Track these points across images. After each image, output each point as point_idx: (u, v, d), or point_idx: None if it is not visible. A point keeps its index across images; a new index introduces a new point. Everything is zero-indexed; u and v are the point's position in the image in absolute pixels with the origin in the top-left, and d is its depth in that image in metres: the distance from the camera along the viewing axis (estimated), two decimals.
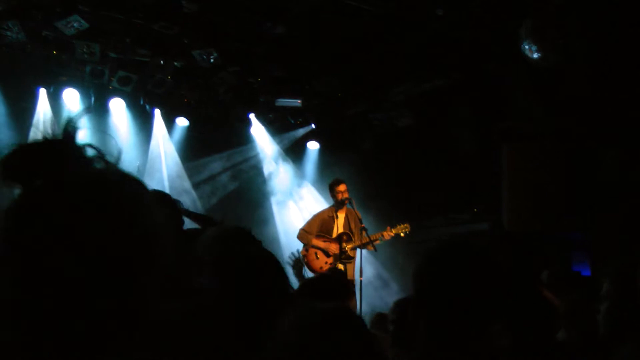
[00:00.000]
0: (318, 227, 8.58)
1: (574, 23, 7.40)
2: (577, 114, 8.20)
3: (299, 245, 8.77)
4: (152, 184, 10.91)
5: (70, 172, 1.03)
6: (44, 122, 10.55)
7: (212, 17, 8.44)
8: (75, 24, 8.29)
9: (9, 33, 8.54)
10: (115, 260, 1.00)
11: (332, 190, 8.60)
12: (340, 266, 8.38)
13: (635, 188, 7.65)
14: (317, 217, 8.75)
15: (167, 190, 11.08)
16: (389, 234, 8.39)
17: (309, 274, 8.45)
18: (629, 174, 7.78)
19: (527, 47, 7.64)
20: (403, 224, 8.50)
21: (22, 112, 10.29)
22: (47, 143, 1.06)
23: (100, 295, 0.99)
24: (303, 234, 8.63)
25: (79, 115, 1.09)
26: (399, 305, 3.70)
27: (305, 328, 1.62)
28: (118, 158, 1.10)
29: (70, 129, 1.07)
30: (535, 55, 7.65)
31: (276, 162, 12.16)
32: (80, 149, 1.07)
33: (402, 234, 8.49)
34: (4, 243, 1.00)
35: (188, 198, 11.23)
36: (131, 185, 1.08)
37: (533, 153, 8.53)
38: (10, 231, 1.00)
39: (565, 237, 8.73)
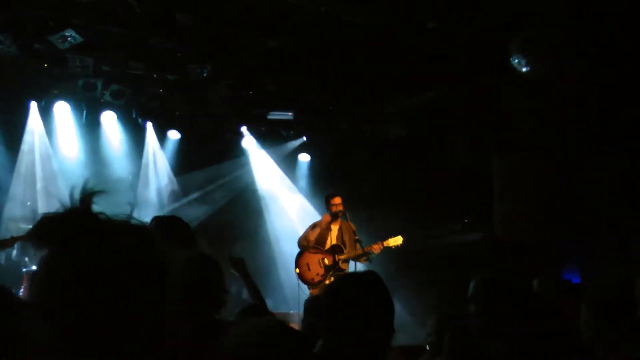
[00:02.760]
0: (316, 238, 8.59)
1: (562, 36, 7.52)
2: (567, 124, 8.31)
3: (291, 255, 8.82)
4: (144, 197, 11.00)
5: (87, 237, 1.24)
6: (34, 136, 10.54)
7: (205, 31, 8.49)
8: (70, 37, 8.29)
9: (0, 46, 8.52)
10: (132, 301, 1.23)
11: (327, 202, 8.63)
12: (332, 279, 8.41)
13: (625, 196, 7.76)
14: (315, 227, 8.72)
15: (157, 205, 11.15)
16: (379, 247, 8.41)
17: (302, 287, 8.50)
18: (618, 182, 7.89)
19: (516, 60, 7.76)
20: (395, 236, 8.53)
21: (13, 126, 10.27)
22: (67, 214, 1.27)
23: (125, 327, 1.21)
24: (303, 242, 8.65)
25: (95, 189, 1.31)
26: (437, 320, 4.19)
27: (244, 343, 1.78)
28: (130, 213, 1.33)
29: (86, 199, 1.28)
30: (525, 69, 7.77)
31: (268, 174, 12.21)
32: (94, 215, 1.28)
33: (393, 247, 8.51)
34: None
35: (180, 211, 11.24)
36: (138, 238, 1.30)
37: (524, 164, 8.64)
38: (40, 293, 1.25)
39: (556, 246, 8.82)
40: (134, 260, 1.25)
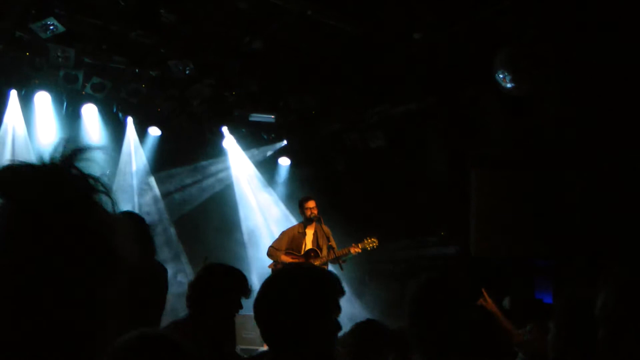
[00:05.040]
0: (287, 244, 8.55)
1: (547, 54, 7.52)
2: (547, 142, 8.31)
3: (266, 259, 8.74)
4: (121, 192, 10.89)
5: (52, 194, 1.06)
6: (12, 125, 10.42)
7: (190, 28, 8.43)
8: (51, 26, 8.20)
9: None
10: (72, 277, 1.05)
11: (301, 206, 8.59)
12: None
13: (602, 215, 7.75)
14: (285, 234, 8.72)
15: (136, 199, 11.06)
16: (355, 249, 8.38)
17: None
18: (596, 204, 7.88)
19: (501, 76, 7.74)
20: (371, 238, 8.49)
21: None
22: (42, 167, 1.08)
23: (56, 307, 1.03)
24: (272, 251, 8.58)
25: (86, 149, 1.12)
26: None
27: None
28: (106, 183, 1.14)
29: (70, 157, 1.09)
30: (509, 85, 7.75)
31: (246, 176, 12.15)
32: (75, 176, 1.10)
33: (368, 248, 8.47)
34: None
35: (156, 208, 11.16)
36: (105, 213, 1.12)
37: (502, 179, 8.61)
38: None
39: (529, 264, 8.79)
40: (104, 240, 1.08)
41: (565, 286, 7.89)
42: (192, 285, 3.87)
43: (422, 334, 2.69)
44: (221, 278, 3.80)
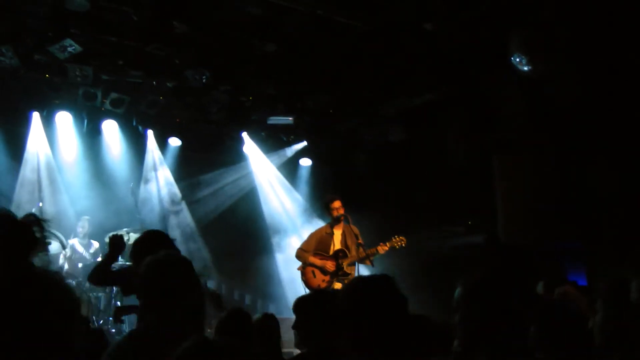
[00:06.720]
0: (315, 245, 8.49)
1: (563, 35, 7.47)
2: (569, 124, 8.25)
3: (294, 261, 8.74)
4: (146, 204, 11.00)
5: None
6: (36, 147, 10.58)
7: (202, 37, 8.48)
8: (69, 47, 8.33)
9: (2, 58, 8.54)
10: None
11: (327, 207, 8.50)
12: (338, 284, 8.31)
13: (628, 197, 7.70)
14: (313, 236, 8.67)
15: (160, 210, 11.16)
16: (383, 248, 8.30)
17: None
18: (621, 183, 7.82)
19: (517, 59, 7.70)
20: (399, 237, 8.42)
21: (16, 137, 10.32)
22: None
23: None
24: (301, 253, 8.55)
25: None
26: None
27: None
28: None
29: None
30: (525, 68, 7.72)
31: (269, 180, 12.20)
32: None
33: (397, 247, 8.40)
34: None
35: (182, 217, 11.24)
36: None
37: (525, 164, 8.58)
38: None
39: (560, 247, 8.74)
40: None
41: (601, 267, 7.85)
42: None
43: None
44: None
